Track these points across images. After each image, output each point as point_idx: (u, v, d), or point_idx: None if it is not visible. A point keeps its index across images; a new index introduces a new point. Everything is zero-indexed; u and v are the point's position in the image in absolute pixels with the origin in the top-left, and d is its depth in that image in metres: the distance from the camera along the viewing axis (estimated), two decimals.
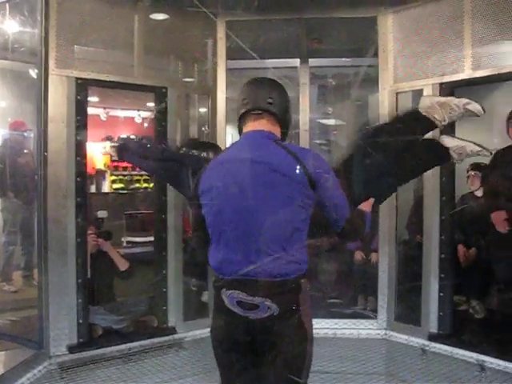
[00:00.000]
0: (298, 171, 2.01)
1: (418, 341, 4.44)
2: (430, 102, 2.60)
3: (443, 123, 2.65)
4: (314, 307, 4.73)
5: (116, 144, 3.73)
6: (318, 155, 2.16)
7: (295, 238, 2.06)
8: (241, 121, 2.26)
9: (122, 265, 4.67)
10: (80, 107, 4.14)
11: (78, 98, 4.12)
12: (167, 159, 3.06)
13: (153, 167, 3.55)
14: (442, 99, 2.60)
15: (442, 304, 4.38)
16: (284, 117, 2.24)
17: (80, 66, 4.14)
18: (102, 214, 4.95)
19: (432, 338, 4.38)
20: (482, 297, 4.84)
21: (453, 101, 2.62)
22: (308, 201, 2.05)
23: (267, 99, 2.18)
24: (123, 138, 3.91)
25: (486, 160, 4.97)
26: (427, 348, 4.38)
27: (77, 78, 4.10)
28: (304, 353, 2.14)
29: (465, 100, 2.62)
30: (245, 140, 2.20)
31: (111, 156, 9.27)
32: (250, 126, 2.20)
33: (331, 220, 2.15)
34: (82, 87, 4.14)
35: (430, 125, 2.63)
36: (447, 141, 2.68)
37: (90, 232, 4.45)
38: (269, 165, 2.03)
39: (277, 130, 2.22)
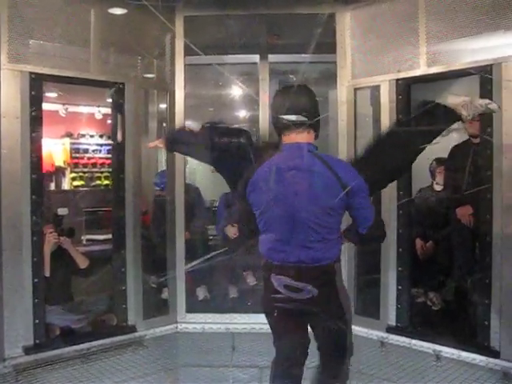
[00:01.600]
0: (332, 179, 2.37)
1: (377, 333, 4.51)
2: (458, 100, 2.77)
3: (468, 118, 2.82)
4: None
5: (166, 136, 3.46)
6: (348, 164, 2.55)
7: (332, 232, 2.47)
8: (279, 127, 2.55)
9: (82, 262, 4.60)
10: (35, 102, 4.05)
11: (33, 93, 4.03)
12: (216, 148, 3.02)
13: (204, 157, 3.45)
14: (468, 99, 2.77)
15: (400, 297, 4.46)
16: (318, 124, 2.56)
17: (34, 60, 4.05)
18: (62, 211, 4.88)
19: (390, 330, 4.46)
20: (439, 289, 4.94)
21: (478, 101, 2.81)
22: (341, 203, 2.41)
23: (306, 113, 2.49)
24: (171, 129, 3.71)
25: (439, 155, 5.10)
26: (386, 340, 4.46)
27: (31, 73, 4.01)
28: (344, 322, 2.55)
29: (487, 100, 2.85)
30: (288, 152, 2.50)
31: (71, 152, 9.17)
32: (293, 138, 2.51)
33: (357, 224, 2.52)
34: (37, 82, 4.06)
35: (457, 118, 2.79)
36: (452, 98, 2.79)
37: (49, 230, 4.37)
38: (309, 173, 2.41)
39: (312, 137, 2.55)
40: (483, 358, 3.96)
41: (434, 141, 2.83)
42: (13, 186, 3.97)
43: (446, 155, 5.02)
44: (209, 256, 2.93)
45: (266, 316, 2.74)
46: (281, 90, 2.68)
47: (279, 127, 2.55)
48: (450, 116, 2.79)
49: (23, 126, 3.99)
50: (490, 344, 3.93)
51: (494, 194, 3.89)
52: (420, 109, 2.92)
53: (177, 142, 3.20)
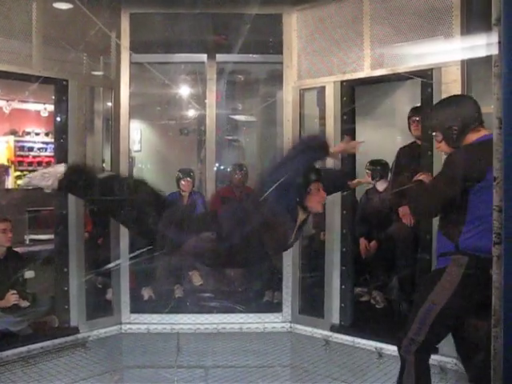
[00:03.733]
0: None
1: (321, 332, 4.57)
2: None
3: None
4: (220, 303, 4.81)
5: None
6: None
7: None
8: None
9: None
10: None
11: None
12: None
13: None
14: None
15: (344, 296, 4.53)
16: None
17: None
18: (29, 274, 4.77)
19: (334, 329, 4.53)
20: (382, 288, 5.04)
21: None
22: None
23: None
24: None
25: (389, 155, 5.20)
26: (330, 339, 4.52)
27: None
28: None
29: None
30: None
31: (15, 149, 8.93)
32: (482, 132, 2.73)
33: None
34: None
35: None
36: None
37: (12, 292, 4.35)
38: None
39: None
40: None
41: None
42: None
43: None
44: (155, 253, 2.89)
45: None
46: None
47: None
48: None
49: None
50: None
51: None
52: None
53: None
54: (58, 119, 4.43)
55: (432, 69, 3.97)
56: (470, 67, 3.92)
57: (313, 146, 2.87)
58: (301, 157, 2.78)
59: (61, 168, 3.05)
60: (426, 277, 2.94)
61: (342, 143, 3.25)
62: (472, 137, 2.75)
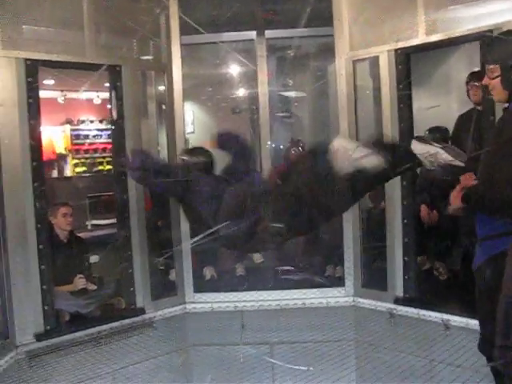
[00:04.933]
0: None
1: (385, 305, 4.51)
2: (423, 151, 2.61)
3: (429, 168, 2.72)
4: (282, 279, 4.81)
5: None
6: None
7: None
8: None
9: None
10: (31, 89, 4.01)
11: (29, 79, 3.99)
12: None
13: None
14: (433, 151, 2.61)
15: (407, 268, 4.45)
16: None
17: (28, 46, 3.99)
18: (93, 259, 5.01)
19: (398, 301, 4.46)
20: (445, 258, 4.93)
21: (442, 155, 2.64)
22: None
23: None
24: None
25: (446, 123, 5.05)
26: (394, 312, 4.46)
27: (26, 60, 3.96)
28: None
29: (451, 158, 2.65)
30: None
31: (72, 138, 9.15)
32: None
33: None
34: (32, 68, 4.01)
35: (418, 164, 2.69)
36: (415, 146, 2.62)
37: (79, 275, 4.54)
38: None
39: None
40: None
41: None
42: (14, 175, 3.96)
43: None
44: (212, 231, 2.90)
45: None
46: None
47: None
48: (410, 159, 2.63)
49: (21, 114, 3.96)
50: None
51: None
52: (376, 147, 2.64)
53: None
54: (114, 105, 4.49)
55: (492, 30, 3.80)
56: None
57: None
58: None
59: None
60: (486, 269, 2.42)
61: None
62: None
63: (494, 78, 2.39)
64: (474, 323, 4.01)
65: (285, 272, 4.92)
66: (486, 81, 2.53)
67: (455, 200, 2.65)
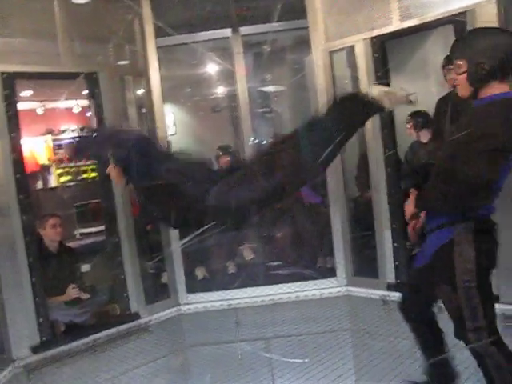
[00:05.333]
0: None
1: (377, 293, 4.55)
2: (382, 92, 2.49)
3: (390, 109, 2.66)
4: (274, 274, 4.83)
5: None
6: None
7: None
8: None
9: None
10: (9, 103, 3.99)
11: (6, 92, 3.96)
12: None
13: None
14: (393, 90, 2.52)
15: (397, 254, 4.49)
16: None
17: (2, 59, 3.97)
18: (85, 268, 5.00)
19: (391, 287, 4.50)
20: None
21: (400, 92, 2.51)
22: None
23: None
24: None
25: (426, 108, 5.09)
26: (387, 298, 4.50)
27: (1, 72, 3.94)
28: None
29: (405, 92, 2.51)
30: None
31: (54, 148, 9.09)
32: (505, 86, 2.31)
33: None
34: (8, 81, 3.98)
35: (380, 109, 2.55)
36: (376, 90, 2.62)
37: (72, 285, 4.52)
38: None
39: None
40: None
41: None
42: None
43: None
44: (205, 231, 2.88)
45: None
46: None
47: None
48: (372, 107, 2.54)
49: (0, 127, 3.94)
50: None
51: None
52: (338, 100, 2.65)
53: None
54: (94, 112, 4.47)
55: (465, 11, 3.83)
56: (508, 5, 3.73)
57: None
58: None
59: None
60: (437, 258, 2.48)
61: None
62: (495, 88, 2.29)
63: (460, 74, 2.36)
64: None
65: (276, 267, 4.94)
66: (452, 75, 2.56)
67: (409, 210, 2.66)
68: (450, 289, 2.44)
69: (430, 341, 2.82)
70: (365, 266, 4.74)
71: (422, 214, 2.64)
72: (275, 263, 5.03)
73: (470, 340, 2.40)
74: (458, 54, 2.38)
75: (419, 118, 5.17)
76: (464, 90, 2.38)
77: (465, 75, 2.32)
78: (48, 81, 4.66)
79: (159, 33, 4.73)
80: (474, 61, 2.28)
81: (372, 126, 4.40)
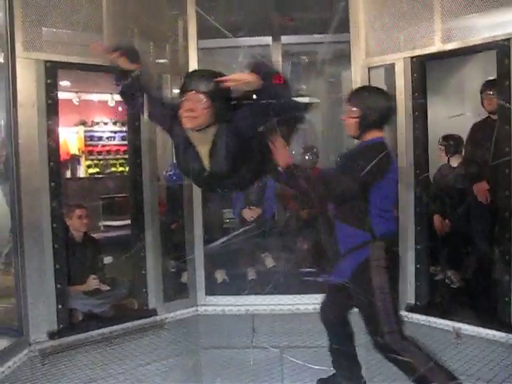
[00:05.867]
0: None
1: None
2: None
3: None
4: (298, 282, 4.81)
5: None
6: None
7: None
8: None
9: None
10: (50, 91, 4.07)
11: (48, 81, 4.04)
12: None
13: None
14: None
15: (419, 275, 4.46)
16: None
17: (48, 48, 4.06)
18: (107, 259, 5.10)
19: (410, 309, 4.47)
20: (457, 266, 4.93)
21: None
22: None
23: None
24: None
25: (459, 131, 5.06)
26: (405, 319, 4.45)
27: (45, 61, 4.03)
28: None
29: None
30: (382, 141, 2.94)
31: (85, 139, 9.21)
32: (379, 133, 2.94)
33: None
34: (52, 70, 4.07)
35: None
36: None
37: (93, 276, 4.58)
38: None
39: None
40: (503, 334, 3.96)
41: None
42: (31, 175, 4.01)
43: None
44: (230, 237, 2.92)
45: None
46: None
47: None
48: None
49: (40, 114, 4.02)
50: (511, 320, 3.93)
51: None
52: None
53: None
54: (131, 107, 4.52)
55: (509, 39, 3.81)
56: None
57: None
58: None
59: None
60: (354, 278, 2.90)
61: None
62: (374, 134, 2.87)
63: (352, 118, 2.87)
64: (485, 332, 4.03)
65: (308, 274, 4.93)
66: (344, 117, 2.94)
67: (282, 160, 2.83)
68: (367, 300, 2.84)
69: (342, 340, 3.22)
70: None
71: None
72: (307, 270, 5.02)
73: (387, 341, 2.78)
74: (354, 102, 2.88)
75: (452, 142, 5.14)
76: (353, 131, 2.91)
77: (356, 120, 2.85)
78: (87, 72, 4.70)
79: (202, 34, 4.77)
80: (365, 112, 2.82)
81: (405, 146, 4.40)
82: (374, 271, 2.86)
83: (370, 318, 2.86)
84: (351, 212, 2.91)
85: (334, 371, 3.30)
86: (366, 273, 2.85)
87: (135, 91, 2.79)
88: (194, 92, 2.48)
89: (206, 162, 2.62)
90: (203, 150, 2.60)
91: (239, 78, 2.57)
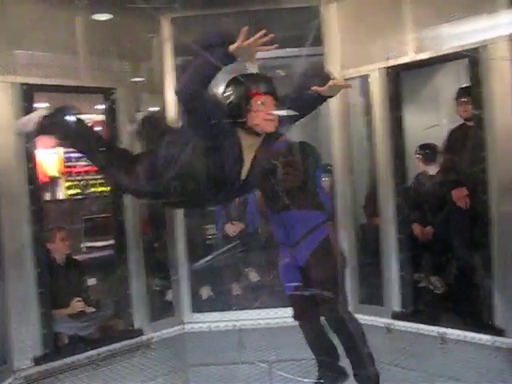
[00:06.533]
0: None
1: (382, 320, 4.54)
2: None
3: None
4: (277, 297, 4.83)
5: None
6: None
7: None
8: None
9: None
10: (27, 113, 4.03)
11: (25, 104, 4.02)
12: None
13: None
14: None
15: (403, 283, 4.50)
16: None
17: (24, 71, 4.05)
18: (91, 281, 4.99)
19: (395, 316, 4.50)
20: (440, 272, 4.97)
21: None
22: None
23: None
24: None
25: (435, 139, 5.12)
26: (392, 327, 4.49)
27: (22, 84, 4.01)
28: None
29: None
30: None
31: (64, 161, 9.11)
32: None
33: None
34: (28, 93, 4.05)
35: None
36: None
37: (77, 299, 4.52)
38: None
39: None
40: (489, 337, 4.00)
41: None
42: (11, 198, 3.97)
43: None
44: (214, 255, 2.94)
45: None
46: None
47: None
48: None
49: (18, 138, 3.98)
50: (495, 323, 3.98)
51: (489, 174, 3.93)
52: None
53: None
54: (109, 127, 4.53)
55: (479, 47, 3.90)
56: None
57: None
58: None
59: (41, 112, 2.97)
60: (314, 257, 3.26)
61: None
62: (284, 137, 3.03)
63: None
64: (470, 336, 4.07)
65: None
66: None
67: None
68: (328, 274, 3.22)
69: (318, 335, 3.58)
70: (371, 293, 4.74)
71: None
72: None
73: (339, 310, 3.26)
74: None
75: (428, 151, 5.19)
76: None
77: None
78: (64, 94, 4.70)
79: (177, 52, 4.79)
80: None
81: (384, 155, 4.45)
82: (334, 246, 3.31)
83: (329, 290, 3.17)
84: (305, 197, 3.31)
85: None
86: (327, 248, 3.26)
87: None
88: (270, 96, 2.53)
89: (244, 170, 2.51)
90: (247, 158, 2.51)
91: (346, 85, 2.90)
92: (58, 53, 4.30)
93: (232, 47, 2.25)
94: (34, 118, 2.94)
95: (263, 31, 2.32)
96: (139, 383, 3.96)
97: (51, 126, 2.89)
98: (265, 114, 2.44)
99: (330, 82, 2.65)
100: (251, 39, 2.26)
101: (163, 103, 4.85)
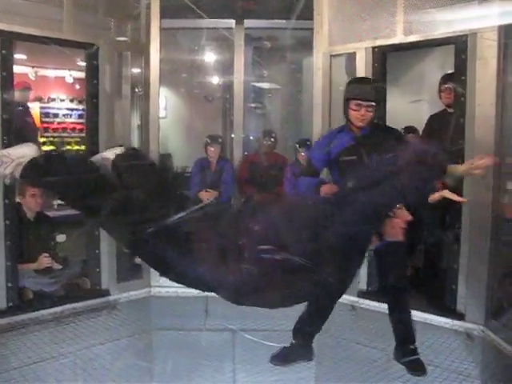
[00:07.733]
0: None
1: (348, 298, 4.59)
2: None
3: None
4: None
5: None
6: None
7: None
8: None
9: None
10: (5, 63, 3.95)
11: (3, 52, 3.92)
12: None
13: None
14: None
15: (371, 263, 4.54)
16: None
17: (4, 18, 3.93)
18: (60, 238, 4.92)
19: (361, 294, 4.56)
20: (408, 256, 5.03)
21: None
22: None
23: None
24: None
25: (416, 123, 5.15)
26: (357, 305, 4.56)
27: (0, 31, 3.90)
28: None
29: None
30: None
31: (41, 116, 8.97)
32: None
33: None
34: (7, 41, 3.94)
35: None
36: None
37: (45, 254, 4.46)
38: None
39: None
40: (449, 320, 4.12)
41: None
42: None
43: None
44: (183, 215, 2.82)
45: None
46: None
47: None
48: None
49: None
50: (457, 307, 4.07)
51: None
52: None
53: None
54: (89, 85, 4.44)
55: (467, 35, 3.90)
56: (508, 32, 3.80)
57: (429, 163, 2.16)
58: (408, 175, 2.12)
59: (27, 151, 2.44)
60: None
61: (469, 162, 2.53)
62: None
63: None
64: (434, 319, 4.15)
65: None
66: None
67: None
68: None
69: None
70: None
71: None
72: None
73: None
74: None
75: (409, 134, 5.22)
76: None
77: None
78: (44, 46, 4.58)
79: (164, 14, 4.70)
80: None
81: None
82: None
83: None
84: None
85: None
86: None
87: None
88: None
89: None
90: None
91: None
92: (42, 2, 4.18)
93: None
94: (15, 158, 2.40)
95: None
96: (103, 343, 3.96)
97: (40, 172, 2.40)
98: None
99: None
100: None
101: (148, 64, 4.77)
